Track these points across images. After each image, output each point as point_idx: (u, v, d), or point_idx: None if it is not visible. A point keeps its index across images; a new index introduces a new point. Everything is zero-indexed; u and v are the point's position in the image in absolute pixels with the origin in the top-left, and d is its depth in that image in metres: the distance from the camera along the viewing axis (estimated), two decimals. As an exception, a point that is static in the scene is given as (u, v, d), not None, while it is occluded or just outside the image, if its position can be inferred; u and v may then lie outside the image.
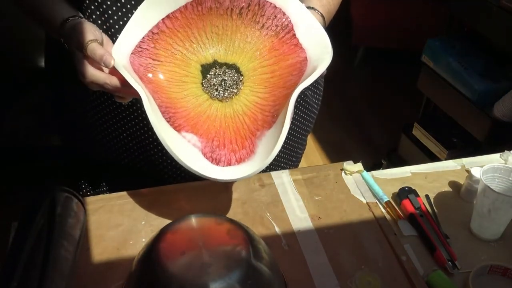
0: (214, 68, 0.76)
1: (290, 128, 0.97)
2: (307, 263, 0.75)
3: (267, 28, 0.76)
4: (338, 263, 0.75)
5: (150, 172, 0.92)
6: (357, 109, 2.81)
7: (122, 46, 0.71)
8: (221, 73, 0.76)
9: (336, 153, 2.46)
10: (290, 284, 0.71)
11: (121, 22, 0.77)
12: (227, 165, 0.69)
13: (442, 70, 1.86)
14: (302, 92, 0.81)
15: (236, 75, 0.76)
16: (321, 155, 2.46)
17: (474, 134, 1.81)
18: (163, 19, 0.73)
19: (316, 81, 0.98)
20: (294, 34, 0.75)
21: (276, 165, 1.00)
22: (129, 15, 0.76)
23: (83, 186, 1.00)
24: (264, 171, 0.97)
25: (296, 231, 0.80)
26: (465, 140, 1.89)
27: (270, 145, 0.67)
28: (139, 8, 0.72)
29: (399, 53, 3.00)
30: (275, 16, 0.75)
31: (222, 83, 0.75)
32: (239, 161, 0.69)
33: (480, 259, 0.78)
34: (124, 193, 0.85)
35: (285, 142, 0.98)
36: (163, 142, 0.66)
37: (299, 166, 1.09)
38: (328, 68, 0.72)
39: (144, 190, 0.86)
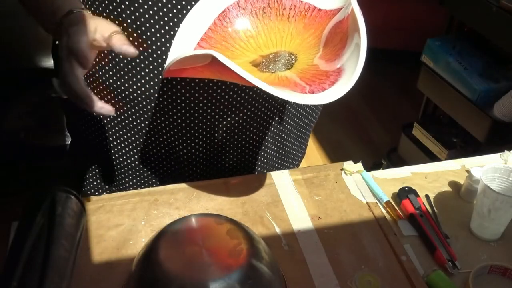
0: (262, 59, 0.77)
1: (292, 126, 0.97)
2: (307, 263, 0.75)
3: (293, 16, 0.78)
4: (338, 263, 0.75)
5: (152, 171, 0.92)
6: (357, 109, 2.81)
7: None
8: (271, 57, 0.76)
9: (336, 153, 2.45)
10: (290, 284, 0.71)
11: (132, 7, 0.75)
12: (322, 91, 0.66)
13: (442, 70, 1.86)
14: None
15: (286, 54, 0.77)
16: (321, 155, 2.46)
17: (474, 134, 1.81)
18: (198, 43, 0.75)
19: None
20: (320, 9, 0.77)
21: (280, 163, 1.00)
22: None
23: (83, 186, 1.00)
24: (264, 171, 0.98)
25: (296, 231, 0.80)
26: (465, 140, 1.89)
27: (354, 57, 0.67)
28: (173, 41, 0.73)
29: (399, 53, 3.00)
30: (295, 6, 0.78)
31: (277, 64, 0.75)
32: (331, 84, 0.67)
33: (480, 259, 0.78)
34: (124, 193, 0.85)
35: (286, 140, 0.98)
36: (249, 78, 0.61)
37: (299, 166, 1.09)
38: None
39: (144, 190, 0.86)
